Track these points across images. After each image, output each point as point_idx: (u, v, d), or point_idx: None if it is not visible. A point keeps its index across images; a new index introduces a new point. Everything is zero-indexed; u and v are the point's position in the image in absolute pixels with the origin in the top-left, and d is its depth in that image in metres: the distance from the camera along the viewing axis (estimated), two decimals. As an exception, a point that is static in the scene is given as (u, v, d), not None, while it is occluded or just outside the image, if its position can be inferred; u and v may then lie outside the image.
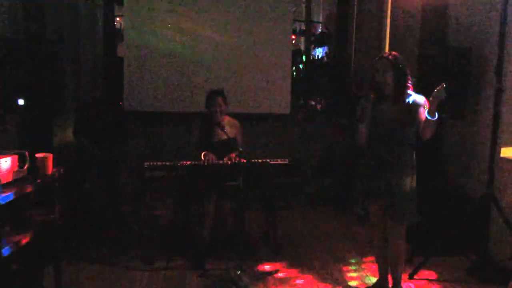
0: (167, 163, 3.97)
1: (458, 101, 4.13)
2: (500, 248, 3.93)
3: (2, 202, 2.50)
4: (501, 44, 3.71)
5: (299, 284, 3.70)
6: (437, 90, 2.95)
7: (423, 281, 3.75)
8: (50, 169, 3.04)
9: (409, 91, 3.19)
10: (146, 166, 3.94)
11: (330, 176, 6.17)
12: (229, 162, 4.08)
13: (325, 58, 7.15)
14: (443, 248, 3.93)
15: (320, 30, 7.73)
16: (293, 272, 3.91)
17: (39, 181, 2.89)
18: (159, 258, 4.03)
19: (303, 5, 7.44)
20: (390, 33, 5.33)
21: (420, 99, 3.16)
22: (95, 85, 5.67)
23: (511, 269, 3.69)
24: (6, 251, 2.55)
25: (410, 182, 3.19)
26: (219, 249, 4.14)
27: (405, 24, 5.51)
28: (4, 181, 2.66)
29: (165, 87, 6.00)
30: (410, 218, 3.22)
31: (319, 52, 7.50)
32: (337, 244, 4.58)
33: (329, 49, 7.17)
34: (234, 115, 4.49)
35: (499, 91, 3.69)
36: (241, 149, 3.92)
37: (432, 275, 3.85)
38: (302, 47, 7.52)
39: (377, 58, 3.26)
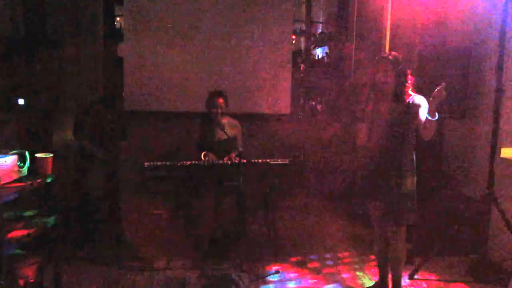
0: (167, 163, 3.97)
1: (458, 101, 4.13)
2: (500, 248, 3.93)
3: (2, 202, 2.50)
4: (501, 44, 3.71)
5: (299, 284, 3.70)
6: (437, 90, 2.95)
7: (423, 281, 3.75)
8: (50, 169, 3.03)
9: (409, 91, 3.19)
10: (146, 166, 3.94)
11: (330, 176, 6.17)
12: (229, 162, 4.08)
13: (325, 58, 7.15)
14: (443, 248, 3.93)
15: (320, 30, 7.74)
16: (293, 272, 3.91)
17: (39, 181, 2.89)
18: (159, 258, 4.04)
19: (303, 5, 7.44)
20: (390, 33, 5.33)
21: (420, 99, 3.16)
22: (95, 85, 5.67)
23: (511, 269, 3.70)
24: (6, 250, 2.55)
25: (410, 182, 3.18)
26: (219, 249, 4.14)
27: (406, 24, 5.50)
28: (4, 181, 2.66)
29: (165, 87, 5.99)
30: (410, 219, 3.22)
31: (319, 52, 7.50)
32: (337, 244, 4.59)
33: (329, 49, 7.17)
34: (234, 115, 4.49)
35: (499, 91, 3.69)
36: (241, 149, 3.92)
37: (432, 275, 3.86)
38: (302, 47, 7.53)
39: (377, 59, 3.26)
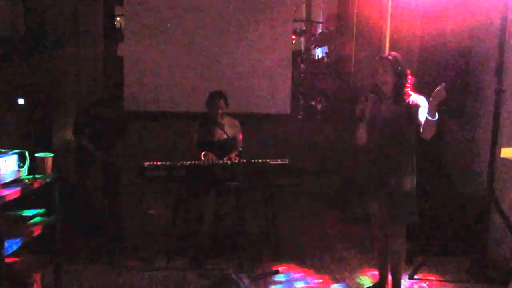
0: (167, 163, 3.97)
1: (458, 101, 4.13)
2: (500, 248, 3.93)
3: (2, 202, 2.50)
4: (501, 44, 3.71)
5: (299, 284, 3.70)
6: (437, 90, 2.95)
7: (423, 281, 3.75)
8: (50, 169, 3.03)
9: (409, 91, 3.19)
10: (146, 166, 3.94)
11: (330, 176, 6.17)
12: (229, 162, 4.08)
13: (325, 58, 7.15)
14: (443, 248, 3.92)
15: (320, 30, 7.73)
16: (293, 272, 3.91)
17: (39, 181, 2.89)
18: (159, 258, 4.04)
19: (303, 5, 7.44)
20: (390, 33, 5.33)
21: (420, 99, 3.16)
22: (95, 85, 5.67)
23: (511, 269, 3.69)
24: (6, 250, 2.55)
25: (410, 182, 3.19)
26: (219, 249, 4.13)
27: (406, 25, 5.50)
28: (4, 181, 2.66)
29: (165, 87, 6.00)
30: (410, 219, 3.22)
31: (319, 52, 7.50)
32: (337, 244, 4.58)
33: (329, 49, 7.17)
34: (234, 115, 4.49)
35: (499, 92, 3.68)
36: (241, 149, 3.92)
37: (432, 275, 3.85)
38: (302, 47, 7.53)
39: (377, 59, 3.26)
